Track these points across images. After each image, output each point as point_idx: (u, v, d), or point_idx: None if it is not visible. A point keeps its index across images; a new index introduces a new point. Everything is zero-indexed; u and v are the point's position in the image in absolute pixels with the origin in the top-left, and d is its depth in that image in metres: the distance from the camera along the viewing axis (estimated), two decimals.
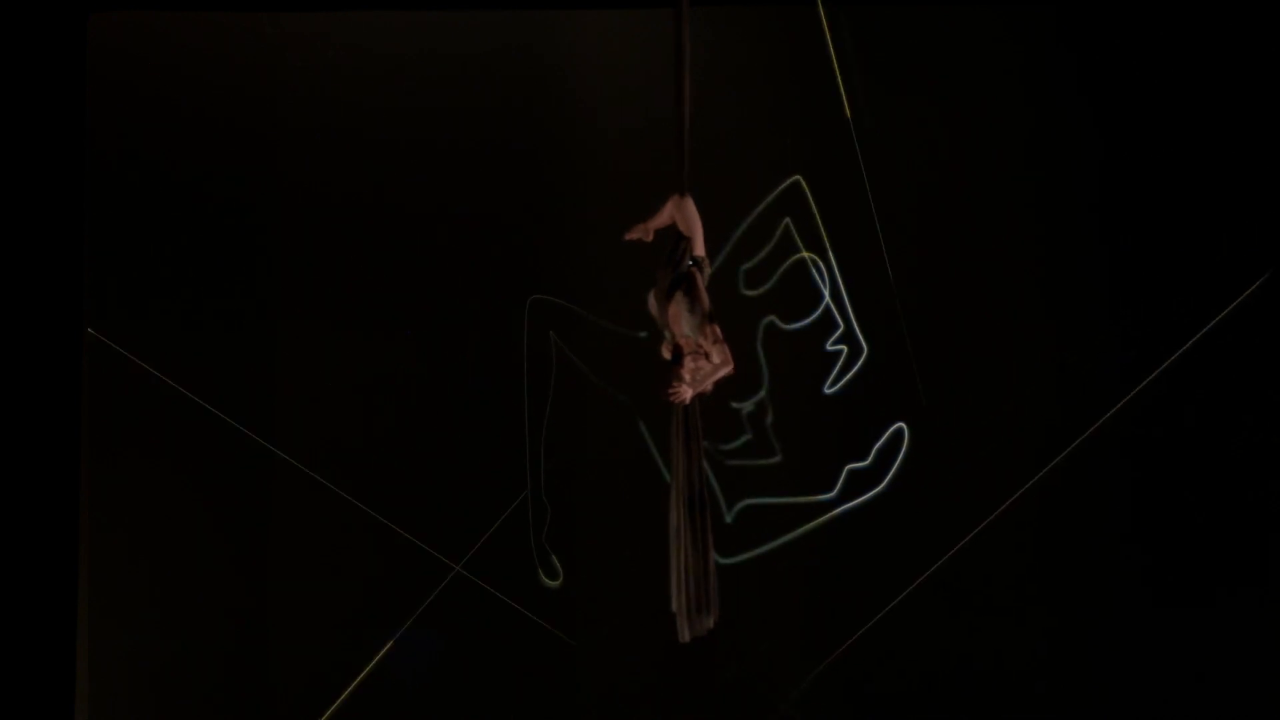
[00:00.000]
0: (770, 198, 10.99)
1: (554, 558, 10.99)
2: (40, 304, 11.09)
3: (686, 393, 8.29)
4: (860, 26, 11.09)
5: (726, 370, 8.40)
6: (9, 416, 11.00)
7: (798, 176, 10.98)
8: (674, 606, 8.45)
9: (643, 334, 10.17)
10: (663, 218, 8.58)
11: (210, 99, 11.19)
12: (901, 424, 10.87)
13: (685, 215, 8.47)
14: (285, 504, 11.09)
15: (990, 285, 10.99)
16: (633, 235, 8.81)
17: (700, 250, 8.45)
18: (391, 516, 11.06)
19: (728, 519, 10.88)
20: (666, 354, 8.45)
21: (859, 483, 10.91)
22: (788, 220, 10.95)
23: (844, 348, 10.91)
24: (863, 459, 10.89)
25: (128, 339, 11.14)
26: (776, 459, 10.90)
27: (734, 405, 10.78)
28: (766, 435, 10.92)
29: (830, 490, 10.90)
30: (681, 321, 8.30)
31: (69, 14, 11.13)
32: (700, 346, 8.27)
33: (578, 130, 11.15)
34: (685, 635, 8.51)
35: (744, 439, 10.91)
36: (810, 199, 10.93)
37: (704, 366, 8.29)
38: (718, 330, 8.35)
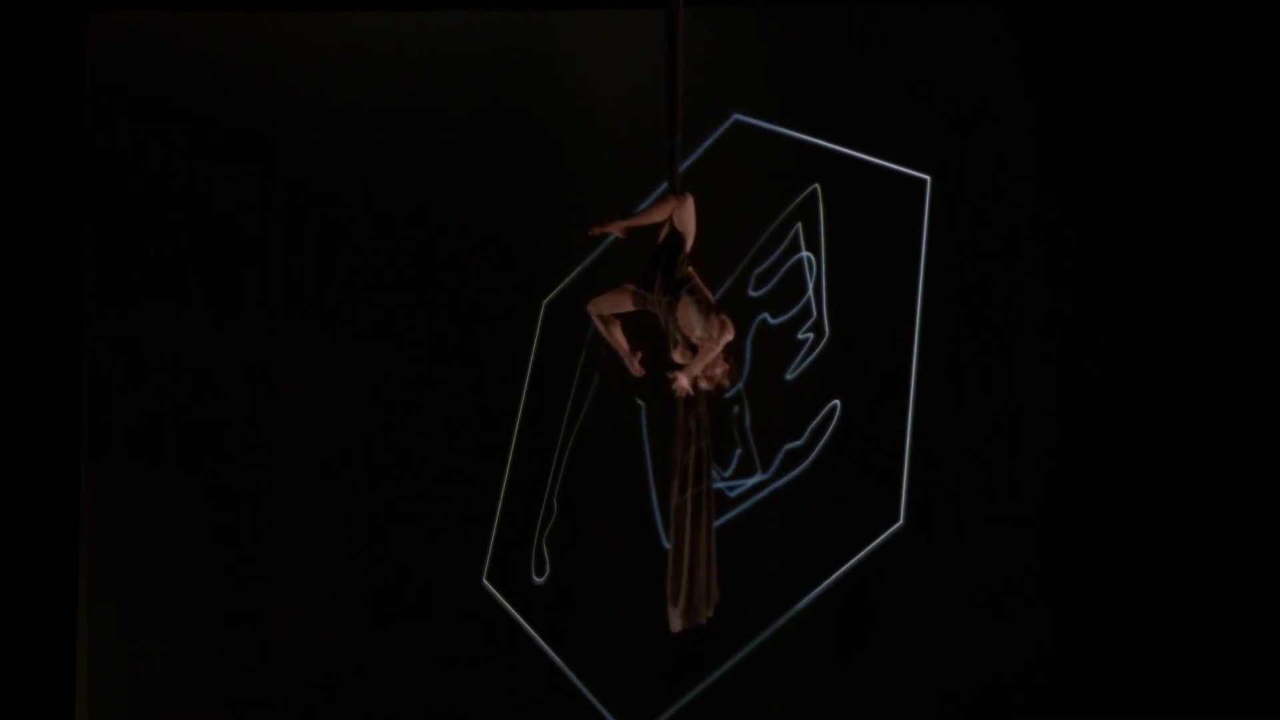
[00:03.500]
0: (791, 206, 10.97)
1: (545, 554, 10.99)
2: (40, 304, 11.09)
3: (684, 380, 8.29)
4: (861, 26, 11.10)
5: (728, 338, 8.38)
6: (9, 416, 11.01)
7: (816, 185, 10.97)
8: (670, 593, 8.39)
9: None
10: (652, 217, 8.50)
11: (210, 99, 11.20)
12: (836, 401, 10.85)
13: (685, 215, 8.44)
14: (285, 504, 11.10)
15: (989, 285, 10.99)
16: (604, 229, 8.66)
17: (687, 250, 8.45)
18: (391, 516, 11.08)
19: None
20: (680, 358, 8.43)
21: (794, 461, 10.91)
22: (799, 225, 10.95)
23: (811, 335, 10.91)
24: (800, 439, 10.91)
25: (128, 339, 11.15)
26: (760, 475, 10.89)
27: (727, 398, 10.77)
28: (751, 446, 10.89)
29: (765, 470, 10.89)
30: (693, 322, 8.30)
31: (69, 14, 11.14)
32: (710, 340, 8.28)
33: (578, 130, 11.15)
34: (676, 625, 8.45)
35: (738, 454, 10.88)
36: (821, 207, 10.92)
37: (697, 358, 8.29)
38: (725, 319, 8.34)
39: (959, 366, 10.92)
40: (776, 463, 10.90)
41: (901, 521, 10.78)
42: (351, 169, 11.19)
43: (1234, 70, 10.93)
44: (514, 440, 11.09)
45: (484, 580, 11.02)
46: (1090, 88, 10.99)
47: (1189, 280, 10.91)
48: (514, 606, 10.98)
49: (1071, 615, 10.81)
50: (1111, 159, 10.97)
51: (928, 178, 10.89)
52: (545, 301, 11.11)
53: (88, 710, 10.98)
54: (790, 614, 10.78)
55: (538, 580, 10.99)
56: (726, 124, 11.00)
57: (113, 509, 11.09)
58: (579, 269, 11.05)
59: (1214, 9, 10.93)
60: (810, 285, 10.91)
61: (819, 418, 10.85)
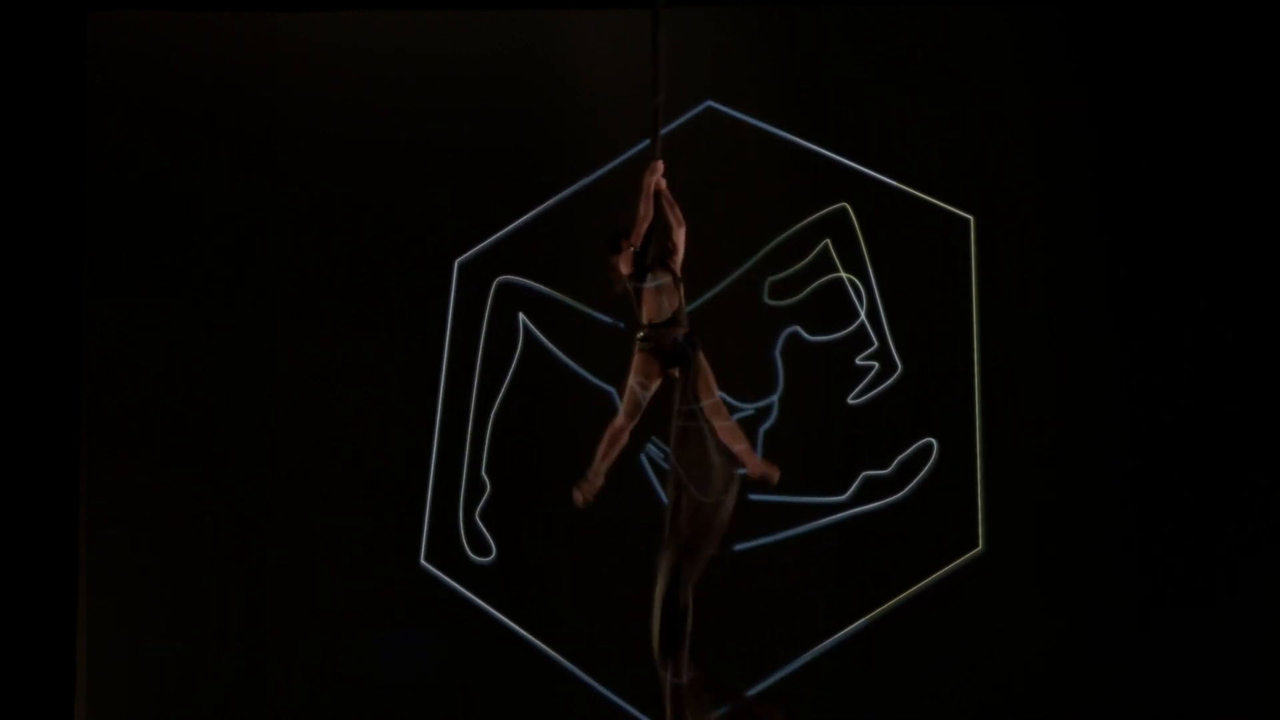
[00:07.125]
0: (811, 218, 11.00)
1: (487, 535, 10.99)
2: (40, 303, 11.10)
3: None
4: (861, 26, 11.14)
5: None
6: (9, 415, 11.01)
7: (844, 204, 10.98)
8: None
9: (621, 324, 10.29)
10: (647, 205, 8.76)
11: (209, 98, 11.21)
12: (932, 439, 10.86)
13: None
14: (285, 503, 11.11)
15: (989, 286, 11.03)
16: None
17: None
18: (391, 512, 11.11)
19: None
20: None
21: (874, 491, 10.90)
22: (827, 241, 10.96)
23: (875, 364, 10.90)
24: (882, 468, 10.88)
25: (127, 337, 11.16)
26: (836, 498, 10.89)
27: (735, 402, 10.76)
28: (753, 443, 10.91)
29: (841, 494, 10.88)
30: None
31: (69, 14, 11.15)
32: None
33: (577, 130, 11.17)
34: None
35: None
36: (856, 226, 10.93)
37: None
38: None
39: (954, 374, 10.97)
40: (854, 488, 10.89)
41: (982, 547, 10.80)
42: (351, 168, 11.20)
43: (1236, 70, 10.97)
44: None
45: (422, 561, 11.02)
46: (1090, 88, 11.02)
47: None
48: (475, 591, 10.99)
49: (1070, 615, 10.84)
50: (1111, 159, 10.99)
51: (971, 218, 10.91)
52: (458, 261, 11.12)
53: (87, 710, 10.99)
54: (849, 630, 10.80)
55: (480, 560, 10.95)
56: (699, 108, 11.03)
57: (113, 508, 11.10)
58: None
59: (1216, 9, 11.00)
60: (863, 310, 10.90)
61: (909, 451, 10.86)
